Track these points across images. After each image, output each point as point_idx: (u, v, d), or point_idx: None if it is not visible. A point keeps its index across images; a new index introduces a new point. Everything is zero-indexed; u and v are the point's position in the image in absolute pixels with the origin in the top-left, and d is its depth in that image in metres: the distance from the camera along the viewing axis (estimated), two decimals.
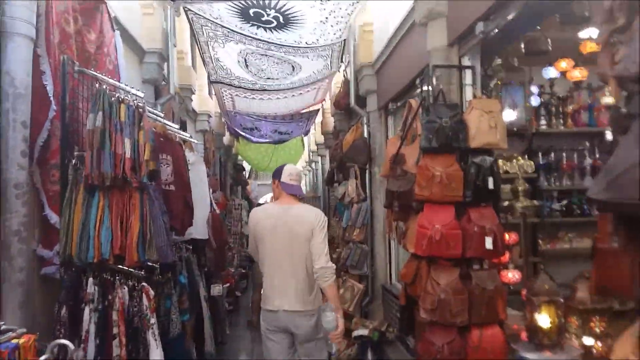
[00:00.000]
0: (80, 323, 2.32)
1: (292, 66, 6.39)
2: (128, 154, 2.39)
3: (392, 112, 4.96)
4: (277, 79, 6.87)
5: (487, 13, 2.67)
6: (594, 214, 4.96)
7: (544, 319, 2.71)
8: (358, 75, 5.41)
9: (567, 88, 4.49)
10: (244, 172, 12.57)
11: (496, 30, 2.67)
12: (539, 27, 3.59)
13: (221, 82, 6.94)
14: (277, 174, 3.21)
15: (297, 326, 3.01)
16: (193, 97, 7.01)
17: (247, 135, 10.09)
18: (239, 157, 11.99)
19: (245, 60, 6.36)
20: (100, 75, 2.61)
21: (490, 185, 2.81)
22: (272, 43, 5.61)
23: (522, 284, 3.07)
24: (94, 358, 2.32)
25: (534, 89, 4.12)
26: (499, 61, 3.71)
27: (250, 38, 5.52)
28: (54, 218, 2.52)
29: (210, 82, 7.18)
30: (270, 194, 4.35)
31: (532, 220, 3.50)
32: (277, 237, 3.02)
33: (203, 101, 8.03)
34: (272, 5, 4.70)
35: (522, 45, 3.75)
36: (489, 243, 2.78)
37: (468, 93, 2.98)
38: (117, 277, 2.41)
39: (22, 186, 2.34)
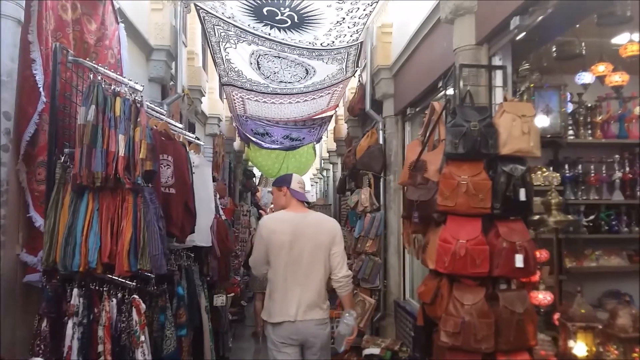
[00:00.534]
0: (62, 339, 2.08)
1: (306, 69, 6.18)
2: (122, 152, 2.16)
3: (410, 118, 4.71)
4: (290, 82, 6.66)
5: (523, 6, 2.42)
6: (622, 231, 4.69)
7: (579, 348, 2.43)
8: (374, 79, 5.17)
9: (595, 97, 4.23)
10: (253, 179, 12.38)
11: (533, 25, 2.41)
12: (571, 30, 3.35)
13: (232, 85, 6.74)
14: (285, 181, 3.14)
15: (316, 335, 2.95)
16: (203, 99, 6.82)
17: (258, 141, 9.89)
18: (249, 164, 11.81)
19: (257, 62, 6.15)
20: (95, 65, 2.38)
21: (522, 197, 2.54)
22: (286, 44, 5.40)
23: (553, 307, 2.79)
24: None
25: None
26: (526, 65, 3.45)
27: (263, 39, 5.32)
28: (38, 220, 2.29)
29: (222, 85, 6.98)
30: None
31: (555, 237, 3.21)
32: (298, 246, 2.94)
33: (213, 104, 7.84)
34: (287, 4, 4.49)
35: (554, 49, 3.49)
36: (519, 261, 2.51)
37: (498, 96, 2.72)
38: (104, 288, 2.17)
39: (1, 184, 2.11)
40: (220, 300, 4.53)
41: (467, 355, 2.54)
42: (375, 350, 4.20)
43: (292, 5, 4.60)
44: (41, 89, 2.36)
